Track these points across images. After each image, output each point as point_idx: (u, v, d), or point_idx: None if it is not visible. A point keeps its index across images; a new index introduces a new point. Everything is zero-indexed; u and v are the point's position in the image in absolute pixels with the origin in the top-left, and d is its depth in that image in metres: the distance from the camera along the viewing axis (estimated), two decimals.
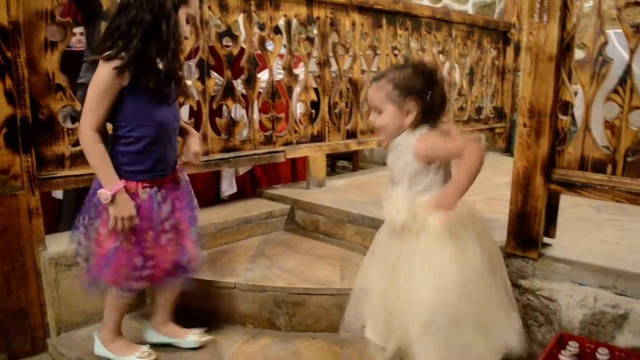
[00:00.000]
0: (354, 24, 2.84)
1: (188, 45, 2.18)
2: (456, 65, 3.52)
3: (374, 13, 2.92)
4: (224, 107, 2.51)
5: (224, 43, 2.35)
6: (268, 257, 2.12)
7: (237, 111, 2.57)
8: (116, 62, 1.44)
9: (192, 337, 1.74)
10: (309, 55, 2.68)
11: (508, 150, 3.95)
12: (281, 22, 2.58)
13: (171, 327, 1.77)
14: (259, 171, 3.25)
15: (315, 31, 2.69)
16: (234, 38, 2.36)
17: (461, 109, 3.64)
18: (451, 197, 1.45)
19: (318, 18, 2.67)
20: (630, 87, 1.56)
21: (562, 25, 1.62)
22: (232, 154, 2.39)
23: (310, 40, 2.67)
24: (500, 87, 3.95)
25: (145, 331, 1.79)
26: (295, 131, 2.67)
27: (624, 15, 1.56)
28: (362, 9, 2.84)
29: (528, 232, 1.75)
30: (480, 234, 1.50)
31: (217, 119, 2.37)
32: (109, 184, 1.47)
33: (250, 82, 2.45)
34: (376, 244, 1.60)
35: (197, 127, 2.29)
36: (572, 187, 1.68)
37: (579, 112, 2.59)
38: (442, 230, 1.42)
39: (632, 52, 1.56)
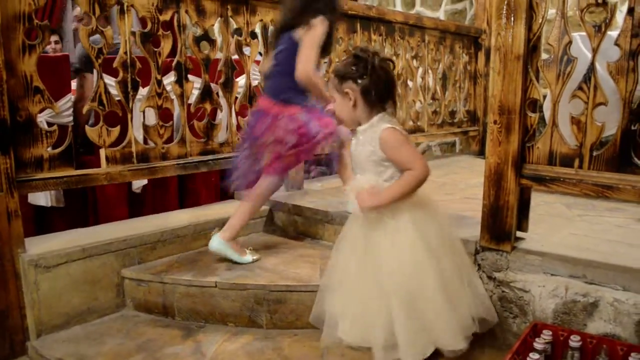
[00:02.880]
0: None
1: (165, 49, 2.20)
2: (429, 70, 3.61)
3: (349, 18, 2.99)
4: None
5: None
6: None
7: (216, 114, 2.59)
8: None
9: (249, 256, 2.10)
10: None
11: (482, 152, 4.04)
12: (257, 29, 2.62)
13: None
14: None
15: None
16: (211, 42, 2.39)
17: (435, 112, 3.72)
18: (382, 199, 1.57)
19: None
20: (594, 85, 1.64)
21: (529, 27, 1.69)
22: (210, 157, 2.41)
23: None
24: (472, 92, 4.05)
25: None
26: None
27: (586, 17, 1.64)
28: None
29: (501, 225, 1.81)
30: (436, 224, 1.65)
31: (195, 121, 2.39)
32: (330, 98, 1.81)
33: (228, 85, 2.48)
34: (342, 237, 1.71)
35: (176, 130, 2.31)
36: (542, 181, 1.74)
37: (548, 112, 2.70)
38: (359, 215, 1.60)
39: (594, 51, 1.64)
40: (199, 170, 2.38)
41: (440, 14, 4.39)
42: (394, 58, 3.29)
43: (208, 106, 2.41)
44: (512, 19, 1.70)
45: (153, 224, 2.20)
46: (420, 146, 4.05)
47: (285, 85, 2.01)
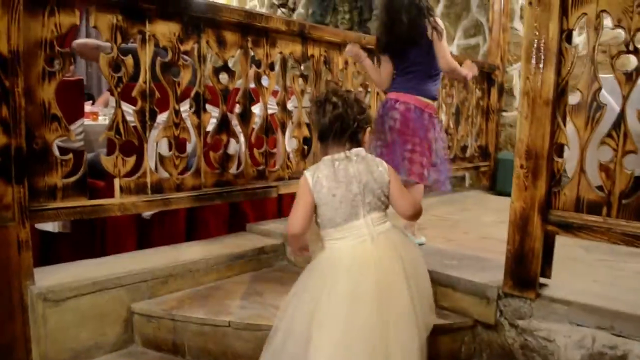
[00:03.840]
0: (346, 62, 2.89)
1: (185, 79, 2.18)
2: (443, 105, 3.60)
3: (366, 52, 2.98)
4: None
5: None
6: (261, 294, 2.08)
7: (231, 146, 2.56)
8: None
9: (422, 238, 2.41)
10: (302, 92, 2.71)
11: (492, 188, 4.02)
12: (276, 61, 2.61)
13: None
14: (247, 206, 3.22)
15: (306, 68, 2.73)
16: (231, 73, 2.37)
17: (448, 147, 3.69)
18: None
19: (312, 56, 2.71)
20: (623, 132, 1.61)
21: (558, 71, 1.68)
22: (225, 188, 2.37)
23: (304, 77, 2.70)
24: (484, 127, 4.04)
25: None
26: (288, 167, 2.67)
27: (616, 63, 1.63)
28: None
29: (525, 272, 1.76)
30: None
31: (211, 152, 2.36)
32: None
33: (245, 117, 2.46)
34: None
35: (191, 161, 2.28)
36: (569, 228, 1.70)
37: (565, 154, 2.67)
38: None
39: (624, 98, 1.61)
40: (213, 202, 2.34)
41: (454, 49, 4.40)
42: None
43: (225, 137, 2.38)
44: (542, 63, 1.68)
45: (164, 257, 2.15)
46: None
47: (431, 86, 2.38)
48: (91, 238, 2.66)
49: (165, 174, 2.18)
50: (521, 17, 4.05)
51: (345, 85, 2.91)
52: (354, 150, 1.62)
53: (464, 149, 3.87)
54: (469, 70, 2.47)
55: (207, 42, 2.25)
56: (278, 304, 1.96)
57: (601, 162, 1.66)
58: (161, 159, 2.19)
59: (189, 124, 2.24)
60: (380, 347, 1.43)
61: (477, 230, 2.74)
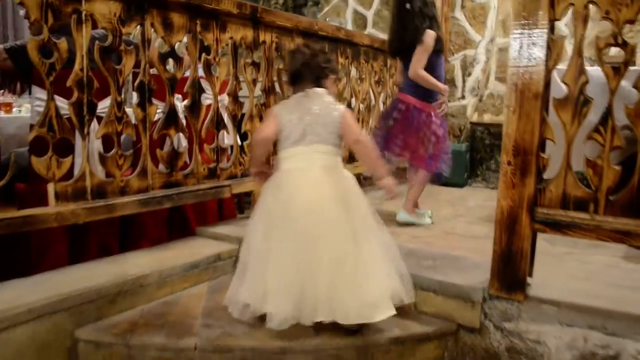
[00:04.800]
0: None
1: (127, 67, 1.90)
2: (391, 95, 3.51)
3: (318, 39, 2.81)
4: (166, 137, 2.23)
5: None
6: (224, 309, 1.86)
7: (181, 142, 2.29)
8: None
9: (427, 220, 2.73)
10: (254, 81, 2.49)
11: (438, 179, 3.99)
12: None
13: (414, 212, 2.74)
14: (189, 207, 2.95)
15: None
16: (178, 60, 2.11)
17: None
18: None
19: (264, 42, 2.49)
20: (611, 127, 1.57)
21: (546, 63, 1.60)
22: (174, 190, 2.12)
23: (255, 65, 2.49)
24: None
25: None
26: (240, 163, 2.45)
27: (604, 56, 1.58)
28: (307, 35, 2.72)
29: (513, 273, 1.69)
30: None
31: (158, 150, 2.10)
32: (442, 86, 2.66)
33: (195, 109, 2.20)
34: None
35: (135, 159, 2.01)
36: (557, 226, 1.64)
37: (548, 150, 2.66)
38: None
39: (612, 92, 1.57)
40: (162, 206, 2.08)
41: None
42: (359, 82, 3.14)
43: (173, 132, 2.12)
44: (530, 54, 1.60)
45: (109, 271, 1.87)
46: None
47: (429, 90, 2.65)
48: (14, 248, 2.29)
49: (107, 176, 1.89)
50: (462, 7, 4.04)
51: None
52: (314, 89, 1.82)
53: None
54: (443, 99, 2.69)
55: (152, 25, 1.98)
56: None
57: (588, 157, 1.61)
58: (102, 158, 1.90)
59: (132, 118, 1.96)
60: (310, 257, 1.63)
61: (439, 226, 2.67)
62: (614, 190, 1.59)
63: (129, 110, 1.97)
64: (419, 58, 2.55)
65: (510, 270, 1.70)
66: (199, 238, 2.40)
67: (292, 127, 1.77)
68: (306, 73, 1.82)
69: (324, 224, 1.66)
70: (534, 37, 1.59)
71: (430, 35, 2.54)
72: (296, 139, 1.77)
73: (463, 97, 4.14)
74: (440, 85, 2.62)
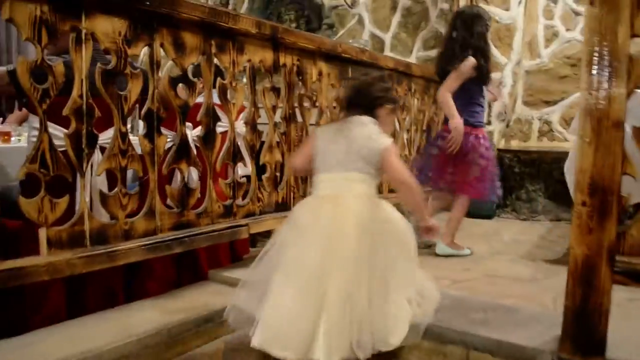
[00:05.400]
0: (320, 73, 2.48)
1: (133, 92, 1.67)
2: (415, 122, 3.28)
3: (341, 62, 2.59)
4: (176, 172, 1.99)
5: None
6: None
7: (192, 176, 2.05)
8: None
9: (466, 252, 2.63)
10: (274, 108, 2.26)
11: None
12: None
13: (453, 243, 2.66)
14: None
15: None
16: (191, 85, 1.88)
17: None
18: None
19: (284, 65, 2.27)
20: None
21: (627, 86, 1.36)
22: (186, 232, 1.86)
23: (275, 90, 2.26)
24: None
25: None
26: (259, 199, 2.20)
27: None
28: (329, 57, 2.50)
29: (590, 334, 1.41)
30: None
31: (167, 187, 1.85)
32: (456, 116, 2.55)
33: (209, 139, 1.97)
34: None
35: (142, 197, 1.76)
36: None
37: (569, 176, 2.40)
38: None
39: None
40: (172, 251, 1.82)
41: (412, 60, 4.12)
42: None
43: (184, 166, 1.88)
44: (610, 76, 1.35)
45: (110, 328, 1.61)
46: None
47: (471, 113, 2.63)
48: (2, 300, 2.03)
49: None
50: None
51: (319, 100, 2.49)
52: (359, 116, 1.74)
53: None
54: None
55: (162, 45, 1.75)
56: None
57: None
58: (103, 198, 1.65)
59: (139, 150, 1.72)
60: (318, 290, 1.51)
61: (478, 266, 2.40)
62: None
63: (134, 140, 1.73)
64: (449, 82, 2.58)
65: (586, 331, 1.42)
66: (212, 283, 2.14)
67: (327, 152, 1.72)
68: (359, 100, 1.78)
69: (338, 255, 1.55)
70: (614, 55, 1.35)
71: (468, 62, 2.54)
72: (331, 165, 1.70)
73: (489, 122, 3.90)
74: (456, 118, 2.54)
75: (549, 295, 1.97)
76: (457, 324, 1.66)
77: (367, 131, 1.71)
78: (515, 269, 2.36)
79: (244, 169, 2.28)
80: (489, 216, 3.60)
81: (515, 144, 3.53)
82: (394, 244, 1.64)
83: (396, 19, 4.19)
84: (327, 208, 1.63)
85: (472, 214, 3.59)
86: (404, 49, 4.12)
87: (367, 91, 1.79)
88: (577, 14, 3.60)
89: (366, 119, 1.73)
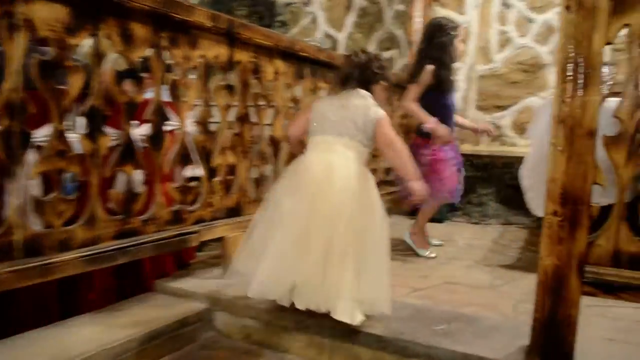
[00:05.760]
0: (277, 72, 2.36)
1: (74, 87, 1.50)
2: None
3: (298, 61, 2.49)
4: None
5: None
6: None
7: (135, 179, 1.88)
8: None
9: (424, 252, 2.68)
10: (227, 107, 2.13)
11: (415, 213, 3.71)
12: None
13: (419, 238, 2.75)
14: None
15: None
16: (139, 81, 1.72)
17: (374, 170, 3.32)
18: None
19: (239, 62, 2.14)
20: None
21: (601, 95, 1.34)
22: (130, 240, 1.70)
23: (229, 88, 2.12)
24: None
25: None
26: (210, 204, 2.06)
27: None
28: (286, 55, 2.39)
29: (558, 345, 1.39)
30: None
31: (110, 191, 1.69)
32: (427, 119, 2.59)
33: (157, 140, 1.81)
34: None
35: (82, 203, 1.59)
36: (611, 289, 1.37)
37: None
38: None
39: None
40: (115, 262, 1.65)
41: None
42: None
43: (129, 169, 1.72)
44: (583, 84, 1.32)
45: (45, 352, 1.44)
46: None
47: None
48: None
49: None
50: None
51: (275, 100, 2.37)
52: (357, 90, 1.86)
53: (388, 170, 3.54)
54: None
55: (108, 36, 1.59)
56: None
57: None
58: (37, 203, 1.47)
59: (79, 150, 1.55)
60: (307, 232, 1.66)
61: (436, 272, 2.36)
62: None
63: (73, 138, 1.56)
64: (410, 92, 2.67)
65: (555, 342, 1.40)
66: (159, 295, 1.99)
67: (324, 117, 1.84)
68: (357, 76, 1.89)
69: (322, 211, 1.68)
70: (588, 63, 1.32)
71: (426, 70, 2.59)
72: (327, 129, 1.82)
73: None
74: (429, 121, 2.59)
75: (508, 303, 1.96)
76: (420, 336, 1.60)
77: (365, 103, 1.83)
78: (473, 275, 2.34)
79: (191, 171, 2.13)
80: (440, 220, 3.59)
81: (467, 148, 3.54)
82: (373, 211, 1.74)
83: (351, 18, 4.13)
84: (316, 169, 1.75)
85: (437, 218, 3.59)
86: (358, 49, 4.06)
87: (365, 67, 1.89)
88: (530, 20, 3.66)
89: (364, 93, 1.86)
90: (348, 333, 1.65)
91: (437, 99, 2.63)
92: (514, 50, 3.66)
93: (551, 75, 3.62)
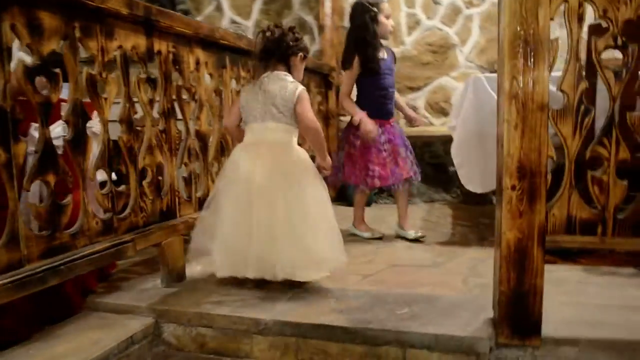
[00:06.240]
0: (197, 62, 2.20)
1: None
2: None
3: (218, 50, 2.34)
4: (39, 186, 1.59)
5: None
6: None
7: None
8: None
9: (412, 232, 2.67)
10: (151, 102, 1.95)
11: (341, 198, 3.71)
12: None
13: (403, 225, 2.74)
14: None
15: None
16: (53, 77, 1.51)
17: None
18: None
19: (159, 52, 1.96)
20: (615, 138, 1.40)
21: (550, 68, 1.38)
22: (61, 258, 1.50)
23: (151, 81, 1.94)
24: (326, 134, 3.72)
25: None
26: (142, 209, 1.88)
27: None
28: (206, 44, 2.23)
29: (527, 316, 1.44)
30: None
31: (31, 204, 1.47)
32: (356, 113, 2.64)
33: (79, 143, 1.61)
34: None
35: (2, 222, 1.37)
36: (569, 255, 1.44)
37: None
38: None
39: (614, 99, 1.40)
40: (46, 284, 1.44)
41: None
42: None
43: (52, 178, 1.50)
44: (532, 59, 1.36)
45: None
46: None
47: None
48: None
49: None
50: None
51: (198, 91, 2.22)
52: (276, 72, 2.00)
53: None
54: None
55: (13, 27, 1.36)
56: None
57: (593, 174, 1.42)
58: None
59: None
60: (244, 220, 1.89)
61: (379, 256, 2.37)
62: (622, 209, 1.43)
63: None
64: (343, 87, 2.71)
65: (523, 313, 1.44)
66: (95, 314, 1.79)
67: (250, 106, 1.99)
68: (274, 51, 1.98)
69: (256, 190, 1.88)
70: (536, 38, 1.35)
71: (354, 63, 2.61)
72: (254, 117, 1.98)
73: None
74: (357, 113, 2.63)
75: (457, 279, 2.01)
76: (387, 323, 1.58)
77: (282, 84, 1.95)
78: (415, 255, 2.38)
79: (101, 175, 1.92)
80: (368, 203, 3.62)
81: None
82: (305, 179, 1.93)
83: (257, 5, 3.99)
84: (249, 154, 1.95)
85: (350, 202, 3.60)
86: None
87: (280, 41, 1.98)
88: (436, 3, 3.77)
89: (282, 74, 1.99)
90: (312, 328, 1.59)
91: (370, 83, 2.62)
92: (423, 32, 3.77)
93: (460, 56, 3.78)
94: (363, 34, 2.58)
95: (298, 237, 1.83)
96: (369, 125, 2.58)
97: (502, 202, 1.43)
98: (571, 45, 1.41)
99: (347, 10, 3.81)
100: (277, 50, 1.98)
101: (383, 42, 2.71)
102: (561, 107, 1.42)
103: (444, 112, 3.80)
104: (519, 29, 1.35)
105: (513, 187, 1.40)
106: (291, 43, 1.99)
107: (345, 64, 2.63)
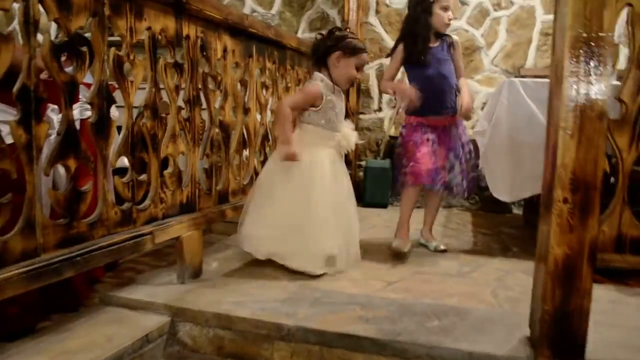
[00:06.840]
0: (225, 49, 2.12)
1: (3, 62, 1.19)
2: None
3: (246, 39, 2.25)
4: (60, 171, 1.51)
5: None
6: None
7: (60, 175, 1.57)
8: None
9: (434, 243, 2.53)
10: (177, 88, 1.86)
11: (360, 200, 3.61)
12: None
13: (426, 233, 2.61)
14: None
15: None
16: (80, 55, 1.42)
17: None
18: None
19: (188, 37, 1.88)
20: None
21: (612, 75, 1.29)
22: (78, 249, 1.42)
23: (178, 67, 1.86)
24: None
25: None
26: (162, 200, 1.80)
27: None
28: (234, 32, 2.15)
29: (571, 338, 1.34)
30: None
31: (50, 190, 1.39)
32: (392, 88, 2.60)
33: (103, 127, 1.53)
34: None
35: (18, 207, 1.29)
36: (620, 276, 1.35)
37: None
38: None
39: None
40: (61, 276, 1.36)
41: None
42: (286, 93, 2.67)
43: (72, 163, 1.42)
44: (594, 64, 1.26)
45: None
46: None
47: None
48: None
49: None
50: (377, 12, 3.74)
51: (224, 80, 2.13)
52: (314, 74, 2.20)
53: None
54: None
55: (42, 1, 1.28)
56: None
57: None
58: None
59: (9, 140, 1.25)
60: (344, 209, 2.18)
61: (406, 265, 2.27)
62: None
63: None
64: (387, 71, 2.62)
65: (567, 334, 1.35)
66: (109, 308, 1.71)
67: (332, 112, 2.14)
68: (313, 54, 2.17)
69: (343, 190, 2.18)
70: (600, 42, 1.26)
71: (397, 51, 2.51)
72: (334, 125, 2.18)
73: (380, 109, 3.84)
74: (393, 86, 2.55)
75: (486, 290, 1.91)
76: (418, 336, 1.49)
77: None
78: (438, 263, 2.28)
79: (122, 162, 1.84)
80: (383, 205, 3.54)
81: None
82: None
83: None
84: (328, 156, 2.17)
85: (367, 203, 3.52)
86: (288, 29, 3.85)
87: (317, 45, 2.14)
88: (463, 3, 3.66)
89: (315, 75, 2.15)
90: (338, 337, 1.51)
91: (415, 72, 2.48)
92: (449, 32, 3.65)
93: (485, 59, 3.68)
94: (412, 26, 2.46)
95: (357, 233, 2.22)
96: (404, 87, 2.45)
97: (550, 216, 1.33)
98: (633, 51, 1.32)
99: (373, 6, 3.74)
100: (314, 54, 2.16)
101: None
102: (619, 117, 1.33)
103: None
104: (581, 30, 1.26)
105: (565, 200, 1.31)
106: (327, 43, 2.10)
107: (391, 53, 2.55)
